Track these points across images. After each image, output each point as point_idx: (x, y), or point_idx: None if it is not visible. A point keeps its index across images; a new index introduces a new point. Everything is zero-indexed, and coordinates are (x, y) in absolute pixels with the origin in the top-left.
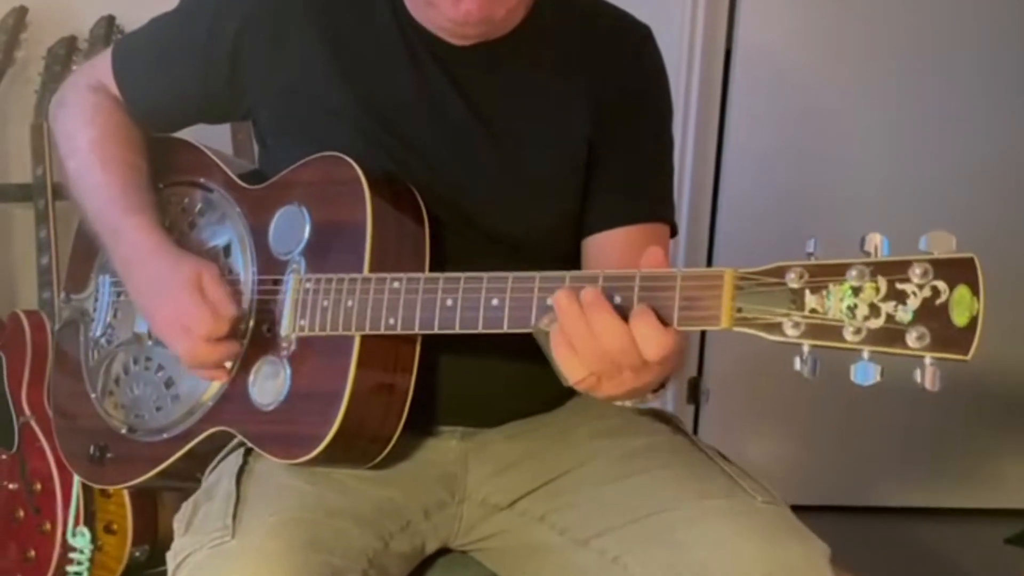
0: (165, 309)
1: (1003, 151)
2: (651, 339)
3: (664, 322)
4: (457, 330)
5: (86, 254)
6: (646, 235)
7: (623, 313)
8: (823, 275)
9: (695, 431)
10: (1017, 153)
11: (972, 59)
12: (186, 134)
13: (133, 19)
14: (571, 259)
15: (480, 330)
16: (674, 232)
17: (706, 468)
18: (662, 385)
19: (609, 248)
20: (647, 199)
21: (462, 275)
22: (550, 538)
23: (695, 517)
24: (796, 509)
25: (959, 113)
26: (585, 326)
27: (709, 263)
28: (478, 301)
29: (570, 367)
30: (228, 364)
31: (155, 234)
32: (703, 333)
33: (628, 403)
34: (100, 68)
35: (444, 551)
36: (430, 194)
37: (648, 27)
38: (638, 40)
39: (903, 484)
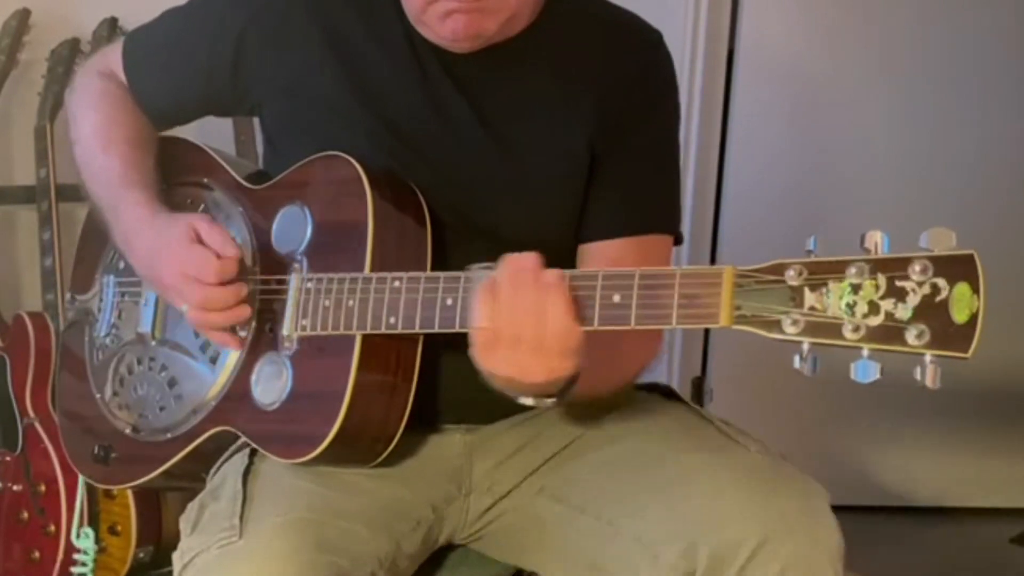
0: (169, 266)
1: (1007, 147)
2: (558, 313)
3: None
4: (457, 329)
5: (91, 255)
6: (643, 247)
7: (619, 311)
8: (822, 272)
9: None
10: (1021, 149)
11: (974, 57)
12: (190, 135)
13: (136, 21)
14: (573, 260)
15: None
16: (679, 240)
17: (698, 425)
18: (551, 396)
19: (604, 258)
20: (648, 210)
21: (462, 274)
22: (549, 508)
23: (689, 470)
24: None
25: (962, 110)
26: (513, 281)
27: (713, 263)
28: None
29: (482, 310)
30: (242, 334)
31: (152, 204)
32: (706, 333)
33: (528, 400)
34: (112, 56)
35: (450, 547)
36: (433, 195)
37: (659, 33)
38: (648, 46)
39: (908, 483)
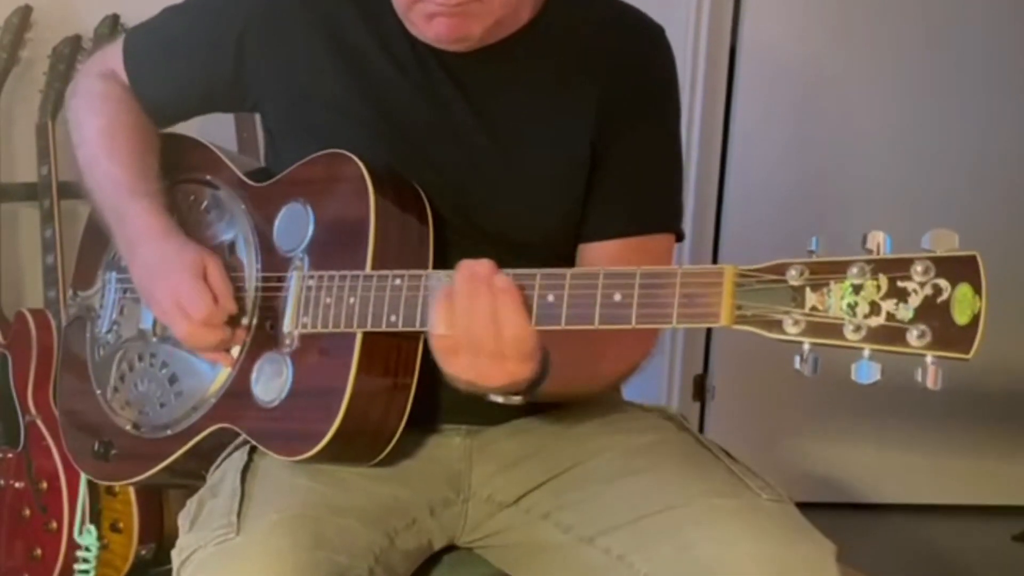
0: (165, 289)
1: (1011, 148)
2: (511, 318)
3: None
4: None
5: (94, 251)
6: (645, 247)
7: (619, 310)
8: (824, 272)
9: (701, 428)
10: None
11: (977, 57)
12: (193, 132)
13: (137, 18)
14: (574, 258)
15: None
16: (680, 238)
17: (711, 466)
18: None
19: (605, 258)
20: (649, 210)
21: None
22: (555, 536)
23: (700, 516)
24: (802, 506)
25: (965, 110)
26: (468, 288)
27: (715, 262)
28: None
29: (440, 319)
30: (235, 353)
31: (162, 218)
32: (708, 331)
33: (497, 398)
34: (112, 56)
35: (450, 548)
36: (434, 193)
37: (661, 27)
38: (649, 41)
39: (910, 481)
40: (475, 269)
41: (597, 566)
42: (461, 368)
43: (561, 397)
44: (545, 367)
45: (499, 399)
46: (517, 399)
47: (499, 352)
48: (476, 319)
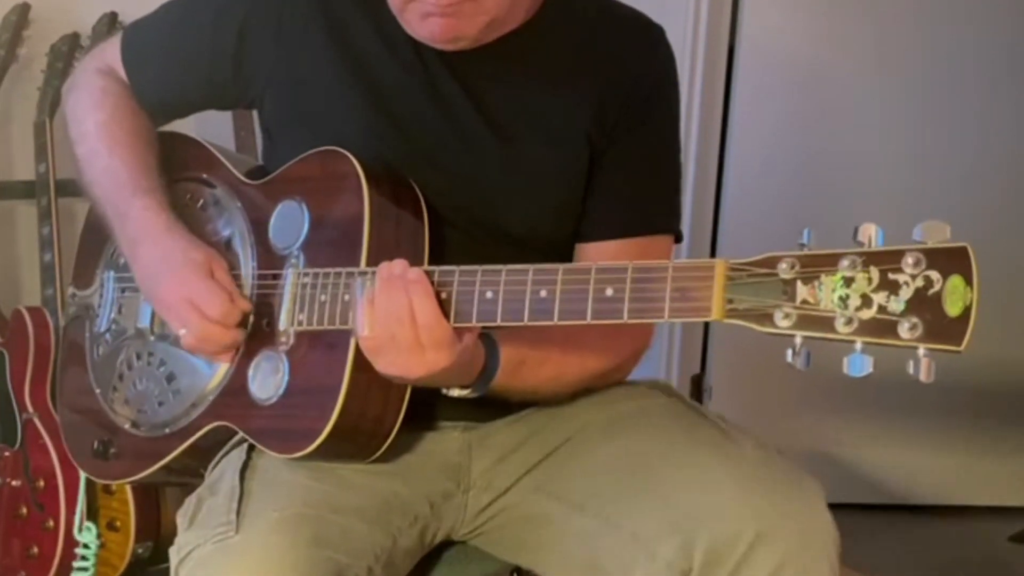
0: (174, 286)
1: (1007, 141)
2: (423, 308)
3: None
4: (452, 323)
5: (92, 250)
6: (642, 247)
7: (611, 305)
8: (815, 265)
9: None
10: (1021, 144)
11: (977, 53)
12: (190, 130)
13: (135, 15)
14: (572, 254)
15: (474, 323)
16: (679, 239)
17: (696, 423)
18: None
19: (602, 258)
20: (647, 211)
21: (456, 268)
22: (547, 507)
23: (685, 466)
24: None
25: (962, 104)
26: (385, 287)
27: (712, 258)
28: (472, 294)
29: (363, 322)
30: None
31: (164, 215)
32: (706, 331)
33: (453, 392)
34: (110, 52)
35: (448, 543)
36: (432, 189)
37: (661, 28)
38: (649, 42)
39: (906, 481)
40: (392, 269)
41: (589, 532)
42: (386, 364)
43: (530, 395)
44: (494, 360)
45: (453, 393)
46: (467, 391)
47: (417, 344)
48: (393, 315)
